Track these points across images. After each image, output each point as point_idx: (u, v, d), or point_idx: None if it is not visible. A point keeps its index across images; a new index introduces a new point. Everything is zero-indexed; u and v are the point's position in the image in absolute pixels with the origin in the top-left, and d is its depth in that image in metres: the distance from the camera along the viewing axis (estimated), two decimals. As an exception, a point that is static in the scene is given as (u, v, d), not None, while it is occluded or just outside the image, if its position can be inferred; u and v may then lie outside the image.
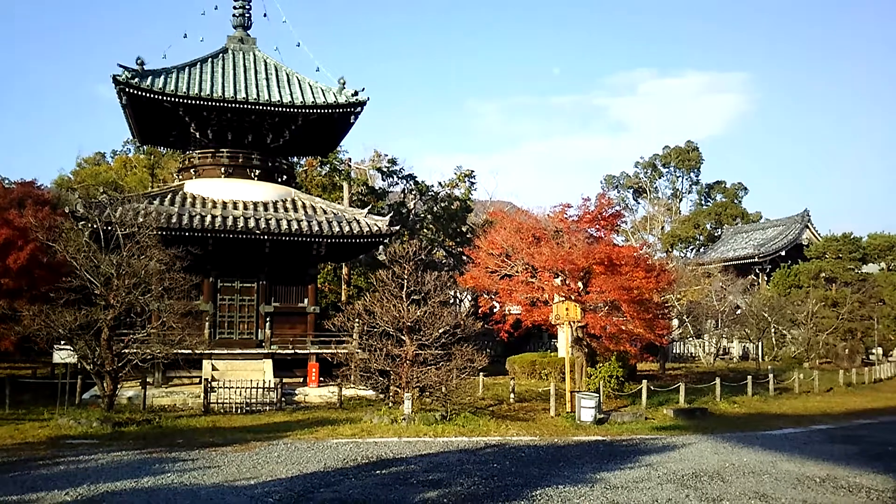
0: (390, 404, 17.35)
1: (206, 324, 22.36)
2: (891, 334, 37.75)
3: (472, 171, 43.66)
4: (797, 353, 36.41)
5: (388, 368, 17.40)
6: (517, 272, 20.67)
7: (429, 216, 40.93)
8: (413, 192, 41.12)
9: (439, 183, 42.95)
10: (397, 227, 27.73)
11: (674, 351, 39.86)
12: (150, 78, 22.33)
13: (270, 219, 22.80)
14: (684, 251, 73.93)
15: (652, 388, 20.56)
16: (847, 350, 35.68)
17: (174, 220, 21.40)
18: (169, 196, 23.29)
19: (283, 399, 19.21)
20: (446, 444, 13.18)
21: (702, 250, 70.77)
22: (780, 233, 62.05)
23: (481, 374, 21.07)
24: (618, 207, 31.54)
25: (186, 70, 23.79)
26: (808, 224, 60.87)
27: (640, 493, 9.06)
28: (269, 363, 22.00)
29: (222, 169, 24.28)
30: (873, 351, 38.13)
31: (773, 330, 38.62)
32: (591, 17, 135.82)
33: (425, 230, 40.35)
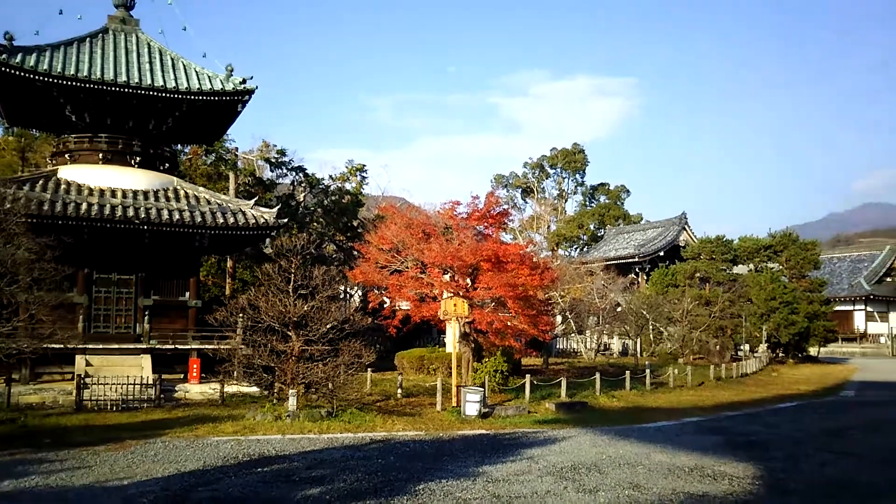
0: (275, 401, 17.01)
1: (81, 317, 21.27)
2: (756, 331, 40.15)
3: (364, 166, 43.47)
4: (673, 350, 38.13)
5: (272, 364, 17.06)
6: (407, 268, 20.71)
7: (319, 210, 40.41)
8: (303, 185, 40.45)
9: (330, 176, 42.51)
10: (285, 220, 27.22)
11: (557, 346, 40.97)
12: (20, 55, 20.96)
13: (151, 208, 21.87)
14: (569, 250, 76.14)
15: (535, 382, 21.05)
16: (718, 346, 37.66)
17: (46, 207, 20.20)
18: (41, 182, 21.94)
19: (162, 396, 18.51)
20: (331, 441, 13.05)
21: (586, 249, 73.11)
22: (659, 234, 64.92)
23: (369, 369, 20.99)
24: (506, 206, 32.11)
25: (62, 49, 22.46)
26: (685, 226, 63.96)
27: (521, 486, 9.26)
28: (147, 359, 21.14)
29: (100, 155, 23.09)
30: (742, 347, 40.45)
31: (651, 327, 40.32)
32: (487, 17, 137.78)
33: (315, 224, 39.82)
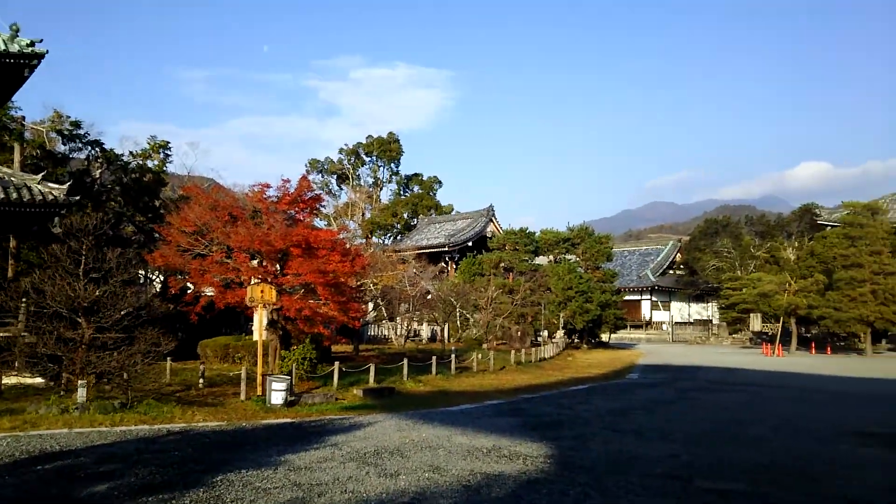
0: (62, 393, 15.76)
1: None
2: (555, 318, 42.59)
3: (168, 143, 41.14)
4: (478, 335, 39.57)
5: (60, 353, 15.78)
6: (212, 252, 19.91)
7: (117, 188, 37.80)
8: (100, 161, 37.59)
9: (131, 153, 39.86)
10: (78, 198, 25.15)
11: (369, 333, 41.20)
12: None
13: (-85, 180, 19.45)
14: (383, 238, 76.73)
15: (344, 369, 21.04)
16: (519, 332, 39.55)
17: None
18: None
19: (-77, 390, 16.56)
20: (124, 434, 12.28)
21: (399, 238, 74.02)
22: (468, 225, 67.04)
23: (169, 359, 19.99)
24: (319, 191, 31.74)
25: None
26: (493, 218, 66.55)
27: (323, 473, 9.21)
28: None
29: None
30: (541, 333, 42.74)
31: (458, 314, 41.58)
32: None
33: (112, 203, 37.22)
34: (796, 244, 62.31)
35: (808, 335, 50.20)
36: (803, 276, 45.19)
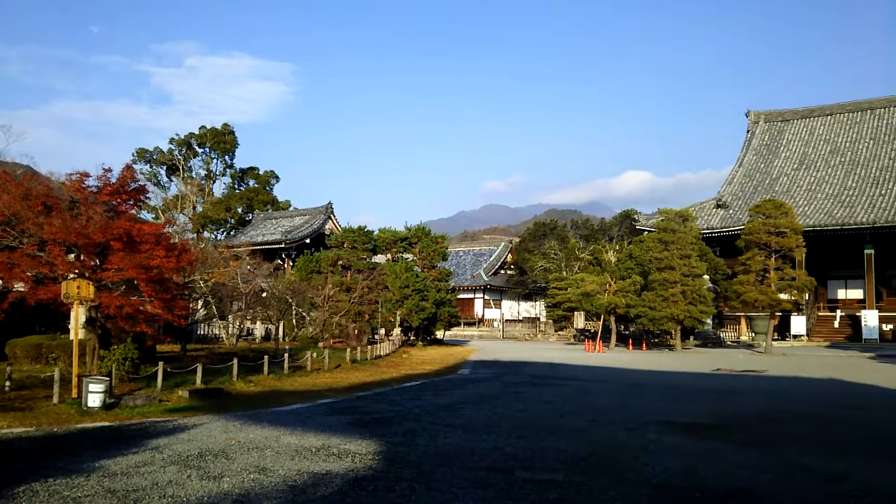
0: None
1: None
2: (392, 316, 42.96)
3: (-27, 126, 37.61)
4: (314, 334, 39.17)
5: None
6: (22, 244, 18.41)
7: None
8: None
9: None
10: None
11: (198, 332, 39.71)
12: None
13: None
14: (216, 233, 74.11)
15: (170, 370, 20.15)
16: (356, 331, 39.54)
17: None
18: None
19: None
20: (-90, 444, 11.11)
21: (233, 233, 71.77)
22: (306, 221, 66.16)
23: (-31, 359, 18.28)
24: (144, 182, 30.15)
25: None
26: (331, 215, 66.11)
27: (141, 478, 8.79)
28: None
29: None
30: (378, 331, 42.97)
31: (294, 312, 40.95)
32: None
33: None
34: (617, 247, 66.53)
35: (627, 332, 53.66)
36: (622, 277, 48.25)
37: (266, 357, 24.36)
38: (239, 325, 39.04)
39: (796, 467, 10.05)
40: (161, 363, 19.94)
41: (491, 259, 79.05)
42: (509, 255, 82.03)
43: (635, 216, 64.25)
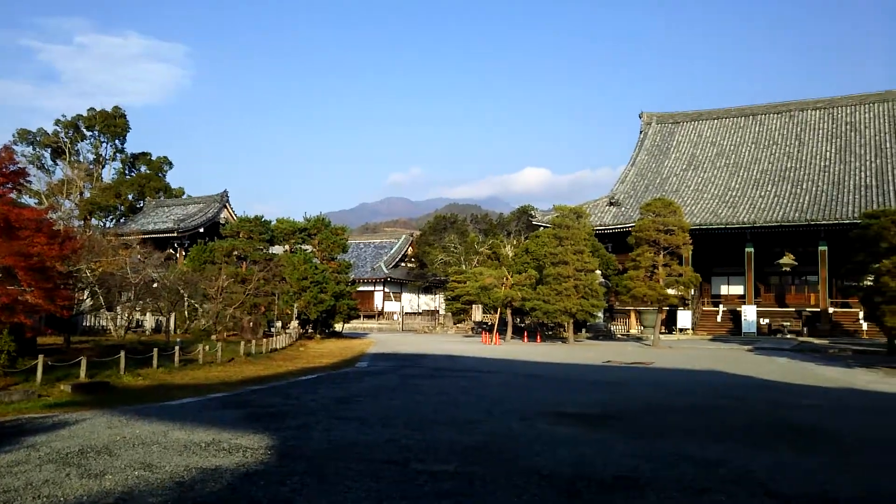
0: None
1: None
2: (289, 309, 42.29)
3: None
4: (207, 326, 38.08)
5: None
6: None
7: None
8: None
9: None
10: None
11: (84, 324, 38.00)
12: None
13: None
14: (104, 220, 71.05)
15: (51, 363, 19.18)
16: (251, 323, 38.68)
17: None
18: None
19: None
20: None
21: (123, 221, 68.98)
22: (200, 210, 64.25)
23: None
24: (25, 165, 28.52)
25: None
26: (227, 204, 64.45)
27: (14, 478, 8.33)
28: None
29: None
30: (275, 324, 42.21)
31: (186, 304, 39.70)
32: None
33: None
34: (514, 242, 67.73)
35: (523, 325, 54.79)
36: (519, 271, 49.20)
37: (156, 350, 23.53)
38: (128, 317, 37.52)
39: (679, 455, 10.51)
40: (41, 356, 18.93)
41: (392, 252, 79.01)
42: (410, 248, 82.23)
43: (532, 212, 65.61)
